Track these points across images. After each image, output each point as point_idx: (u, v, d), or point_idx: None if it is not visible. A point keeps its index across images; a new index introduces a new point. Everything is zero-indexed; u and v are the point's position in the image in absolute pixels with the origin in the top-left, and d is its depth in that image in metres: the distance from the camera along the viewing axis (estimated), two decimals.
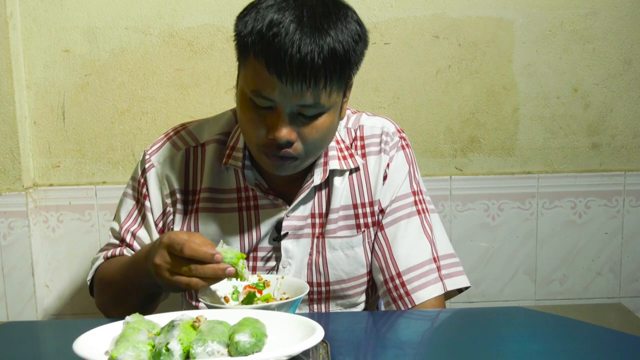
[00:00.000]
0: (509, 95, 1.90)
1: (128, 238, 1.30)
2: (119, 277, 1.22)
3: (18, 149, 1.79)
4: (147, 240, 1.29)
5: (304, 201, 1.26)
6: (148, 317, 0.95)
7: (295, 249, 1.27)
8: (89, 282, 1.33)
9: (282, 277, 1.18)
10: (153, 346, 0.87)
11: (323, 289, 1.29)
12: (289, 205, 1.25)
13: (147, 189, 1.29)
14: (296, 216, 1.26)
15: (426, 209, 1.31)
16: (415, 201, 1.30)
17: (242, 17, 1.11)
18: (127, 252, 1.30)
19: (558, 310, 1.20)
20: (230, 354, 0.86)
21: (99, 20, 1.81)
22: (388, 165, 1.28)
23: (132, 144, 1.86)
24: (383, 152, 1.29)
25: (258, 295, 1.14)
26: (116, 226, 1.33)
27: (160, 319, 0.96)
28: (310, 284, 1.28)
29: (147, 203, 1.29)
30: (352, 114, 1.34)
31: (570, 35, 1.88)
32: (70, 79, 1.83)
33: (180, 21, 1.82)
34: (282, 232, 1.25)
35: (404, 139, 1.33)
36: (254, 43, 1.07)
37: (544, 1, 1.86)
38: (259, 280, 1.17)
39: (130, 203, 1.32)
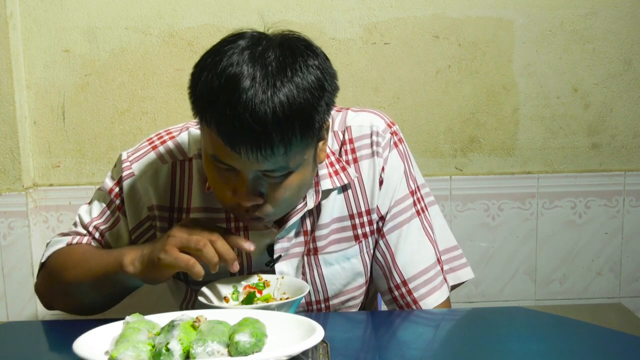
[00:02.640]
0: (509, 95, 1.90)
1: (97, 235, 1.23)
2: (81, 271, 1.15)
3: (18, 149, 1.79)
4: (113, 242, 1.23)
5: (294, 224, 1.19)
6: (148, 317, 0.95)
7: (290, 270, 1.22)
8: (40, 265, 1.25)
9: (282, 277, 1.17)
10: (153, 346, 0.87)
11: (323, 305, 1.25)
12: (279, 227, 1.17)
13: (123, 198, 1.21)
14: (287, 237, 1.20)
15: (425, 206, 1.27)
16: (414, 201, 1.25)
17: (198, 72, 1.04)
18: (94, 243, 1.23)
19: (558, 310, 1.20)
20: (230, 354, 0.86)
21: (99, 20, 1.81)
22: (383, 168, 1.21)
23: (132, 144, 1.86)
24: (376, 155, 1.20)
25: (258, 295, 1.14)
26: (86, 217, 1.25)
27: (160, 319, 0.96)
28: (309, 303, 1.25)
29: (122, 208, 1.21)
30: (337, 112, 1.24)
31: (570, 35, 1.88)
32: (70, 79, 1.83)
33: (180, 21, 1.82)
34: (275, 256, 1.20)
35: (396, 134, 1.24)
36: (205, 110, 1.00)
37: (544, 1, 1.86)
38: (259, 280, 1.17)
39: (103, 201, 1.24)
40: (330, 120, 1.10)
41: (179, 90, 1.85)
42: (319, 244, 1.21)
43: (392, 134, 1.23)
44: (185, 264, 1.02)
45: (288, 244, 1.20)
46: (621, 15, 1.87)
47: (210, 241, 1.02)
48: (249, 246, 1.06)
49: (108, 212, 1.23)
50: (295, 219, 1.17)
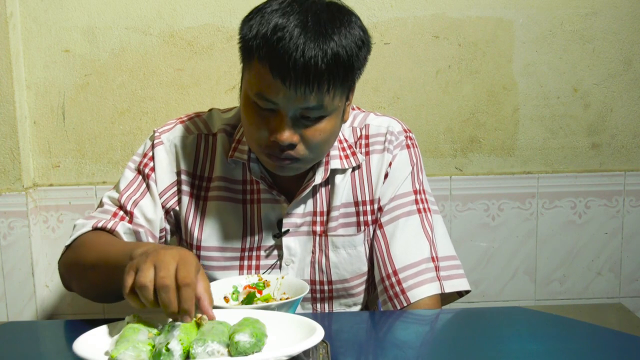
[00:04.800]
0: (509, 95, 1.90)
1: (129, 206, 1.27)
2: (98, 257, 1.13)
3: (18, 149, 1.79)
4: (149, 209, 1.27)
5: (304, 199, 1.27)
6: (148, 317, 0.95)
7: (297, 247, 1.28)
8: (65, 248, 1.26)
9: (282, 277, 1.18)
10: (153, 346, 0.87)
11: (326, 287, 1.30)
12: (289, 202, 1.27)
13: (154, 163, 1.29)
14: (297, 214, 1.27)
15: (428, 208, 1.31)
16: (416, 200, 1.30)
17: (247, 20, 1.12)
18: (122, 227, 1.24)
19: (558, 310, 1.20)
20: (230, 354, 0.86)
21: (99, 20, 1.81)
22: (390, 163, 1.29)
23: (132, 144, 1.86)
24: (386, 151, 1.29)
25: (258, 295, 1.14)
26: (114, 194, 1.30)
27: (160, 319, 0.96)
28: (313, 282, 1.29)
29: (152, 175, 1.29)
30: (360, 112, 1.35)
31: (570, 35, 1.88)
32: (70, 79, 1.83)
33: (180, 21, 1.82)
34: (283, 229, 1.26)
35: (410, 139, 1.33)
36: (258, 47, 1.08)
37: (544, 1, 1.86)
38: (259, 280, 1.17)
39: (131, 175, 1.30)
40: (356, 83, 1.19)
41: (179, 90, 1.85)
42: (330, 225, 1.28)
43: (406, 137, 1.33)
44: (123, 288, 0.94)
45: (299, 221, 1.28)
46: (621, 15, 1.87)
47: (155, 287, 0.91)
48: (186, 319, 0.91)
49: (137, 182, 1.30)
50: (303, 193, 1.25)
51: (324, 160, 1.26)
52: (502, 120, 1.91)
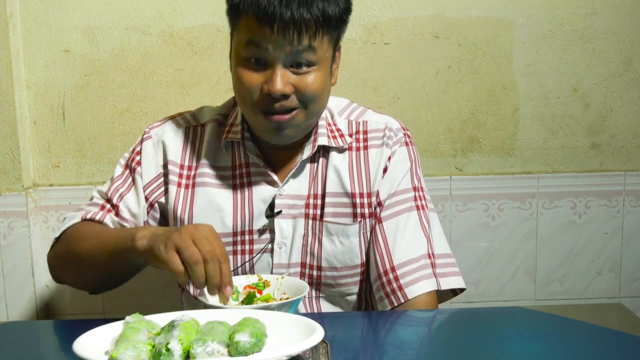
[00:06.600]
0: (509, 95, 1.90)
1: (115, 199, 1.31)
2: (94, 244, 1.21)
3: (18, 149, 1.79)
4: (133, 204, 1.31)
5: (297, 180, 1.29)
6: (148, 317, 0.95)
7: (289, 229, 1.29)
8: (54, 240, 1.32)
9: (282, 277, 1.18)
10: (153, 346, 0.87)
11: (315, 272, 1.30)
12: (281, 183, 1.29)
13: (141, 156, 1.33)
14: (290, 195, 1.29)
15: (426, 205, 1.33)
16: (415, 197, 1.31)
17: None
18: (109, 218, 1.30)
19: (558, 310, 1.20)
20: (230, 354, 0.86)
21: (99, 20, 1.81)
22: (389, 158, 1.31)
23: (132, 144, 1.85)
24: (385, 146, 1.31)
25: (258, 295, 1.14)
26: (103, 188, 1.34)
27: (160, 319, 0.96)
28: (303, 265, 1.30)
29: (138, 169, 1.32)
30: (358, 107, 1.37)
31: (570, 35, 1.88)
32: (70, 79, 1.83)
33: (180, 21, 1.82)
34: (276, 210, 1.27)
35: (408, 137, 1.35)
36: (244, 3, 1.14)
37: (544, 1, 1.86)
38: (259, 280, 1.17)
39: (120, 170, 1.35)
40: (341, 45, 1.26)
41: (179, 90, 1.85)
42: (325, 210, 1.29)
43: (405, 134, 1.35)
44: (175, 269, 1.04)
45: (291, 202, 1.28)
46: (621, 15, 1.87)
47: (204, 260, 1.03)
48: (228, 290, 1.06)
49: (124, 175, 1.35)
50: (293, 169, 1.28)
51: (312, 138, 1.28)
52: (502, 120, 1.91)
